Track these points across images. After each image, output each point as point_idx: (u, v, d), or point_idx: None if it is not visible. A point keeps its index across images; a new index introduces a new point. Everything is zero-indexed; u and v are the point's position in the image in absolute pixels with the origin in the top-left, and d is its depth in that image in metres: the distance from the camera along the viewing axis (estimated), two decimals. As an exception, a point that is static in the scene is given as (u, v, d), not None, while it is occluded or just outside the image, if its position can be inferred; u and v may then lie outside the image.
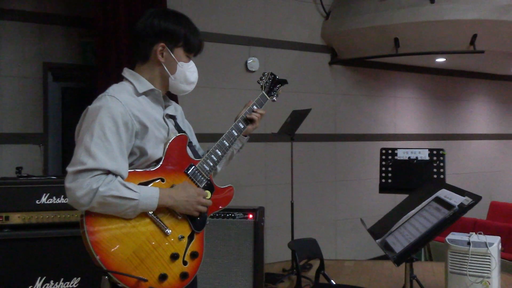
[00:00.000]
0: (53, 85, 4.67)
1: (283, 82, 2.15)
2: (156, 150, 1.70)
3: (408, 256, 2.07)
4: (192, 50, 1.82)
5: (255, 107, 2.00)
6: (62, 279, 3.10)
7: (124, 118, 1.61)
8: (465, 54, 5.55)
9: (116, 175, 1.57)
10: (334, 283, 3.38)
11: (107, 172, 1.55)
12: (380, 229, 2.35)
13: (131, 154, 1.66)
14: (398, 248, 2.06)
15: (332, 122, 6.15)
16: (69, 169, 1.54)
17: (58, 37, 4.53)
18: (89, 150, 1.54)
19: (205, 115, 5.14)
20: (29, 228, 3.07)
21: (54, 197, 3.13)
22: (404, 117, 6.90)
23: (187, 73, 1.81)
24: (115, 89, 1.69)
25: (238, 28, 5.39)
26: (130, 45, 3.46)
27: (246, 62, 5.41)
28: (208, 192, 1.81)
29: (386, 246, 2.15)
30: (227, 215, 3.82)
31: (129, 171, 1.63)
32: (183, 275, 1.68)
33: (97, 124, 1.57)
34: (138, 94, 1.72)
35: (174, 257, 1.66)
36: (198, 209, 1.72)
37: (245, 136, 2.04)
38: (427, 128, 7.14)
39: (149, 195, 1.60)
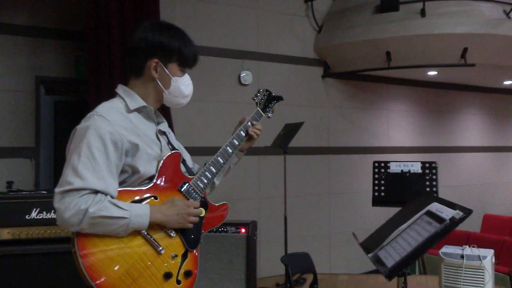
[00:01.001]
0: (45, 99, 4.66)
1: (279, 98, 2.15)
2: (148, 167, 1.68)
3: (400, 270, 2.05)
4: (187, 64, 1.81)
5: (250, 124, 1.98)
6: (52, 295, 3.06)
7: (112, 137, 1.59)
8: (457, 67, 5.60)
9: (105, 194, 1.55)
10: (328, 297, 3.36)
11: (95, 192, 1.53)
12: (372, 243, 2.34)
13: (123, 172, 1.64)
14: (390, 262, 2.05)
15: (325, 135, 6.16)
16: (57, 189, 1.53)
17: (50, 50, 4.52)
18: (76, 170, 1.53)
19: (198, 129, 5.14)
20: (18, 243, 3.04)
21: (44, 212, 3.10)
22: (397, 130, 6.93)
23: (181, 87, 1.79)
24: (103, 108, 1.67)
25: (231, 41, 5.41)
26: (124, 59, 3.46)
27: (239, 76, 5.43)
28: (202, 209, 1.79)
29: (378, 261, 2.14)
30: (220, 229, 3.80)
31: (122, 189, 1.62)
32: None
33: (84, 144, 1.56)
34: (130, 111, 1.71)
35: (168, 276, 1.63)
36: (190, 220, 1.70)
37: (242, 151, 2.02)
38: (419, 141, 7.17)
39: (140, 212, 1.58)
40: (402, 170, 3.85)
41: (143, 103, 1.74)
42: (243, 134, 1.95)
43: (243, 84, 5.44)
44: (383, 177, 3.88)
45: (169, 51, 1.75)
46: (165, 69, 1.75)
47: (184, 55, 1.78)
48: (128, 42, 1.78)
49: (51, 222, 3.04)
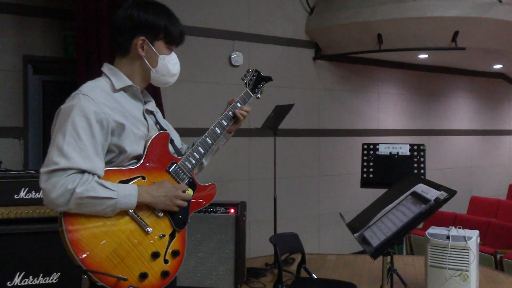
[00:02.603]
0: (33, 78, 4.60)
1: (268, 79, 2.13)
2: (135, 147, 1.67)
3: (385, 249, 2.09)
4: (173, 42, 1.78)
5: (239, 104, 1.97)
6: (41, 275, 3.08)
7: (97, 116, 1.57)
8: (447, 51, 5.62)
9: (92, 174, 1.54)
10: (315, 277, 3.40)
11: (82, 171, 1.52)
12: (358, 224, 2.38)
13: (109, 151, 1.63)
14: (375, 242, 2.08)
15: (315, 117, 6.17)
16: (42, 169, 1.52)
17: (38, 29, 4.46)
18: (61, 149, 1.51)
19: (189, 110, 5.12)
20: (7, 223, 3.03)
21: (33, 192, 3.09)
22: (387, 113, 6.97)
23: (169, 65, 1.77)
24: (88, 87, 1.65)
25: (222, 22, 5.37)
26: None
27: (230, 57, 5.40)
28: (189, 189, 1.79)
29: (363, 240, 2.17)
30: (209, 209, 3.83)
31: (110, 169, 1.61)
32: (164, 274, 1.66)
33: (69, 124, 1.54)
34: (115, 90, 1.69)
35: (155, 255, 1.64)
36: (178, 203, 1.70)
37: (229, 133, 2.02)
38: (409, 124, 7.21)
39: (128, 193, 1.58)
40: (390, 152, 3.88)
41: (129, 82, 1.72)
42: (232, 114, 1.95)
43: (234, 65, 5.41)
44: (372, 159, 3.91)
45: (155, 29, 1.72)
46: (152, 47, 1.73)
47: (170, 32, 1.75)
48: (113, 20, 1.75)
49: (40, 201, 2.99)
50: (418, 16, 5.18)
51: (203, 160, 1.87)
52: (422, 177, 3.59)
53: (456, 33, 5.29)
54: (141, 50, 1.72)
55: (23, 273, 3.04)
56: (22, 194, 3.08)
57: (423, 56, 6.45)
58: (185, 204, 1.73)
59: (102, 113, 1.58)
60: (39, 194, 3.05)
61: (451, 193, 2.02)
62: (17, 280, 3.02)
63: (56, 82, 4.83)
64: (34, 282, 3.06)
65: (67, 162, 1.50)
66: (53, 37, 4.52)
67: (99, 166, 1.57)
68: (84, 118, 1.55)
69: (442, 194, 2.03)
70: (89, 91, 1.61)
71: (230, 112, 1.94)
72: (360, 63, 6.52)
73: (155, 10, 1.74)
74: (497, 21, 5.25)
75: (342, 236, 6.05)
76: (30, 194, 3.09)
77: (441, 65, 7.36)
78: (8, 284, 3.00)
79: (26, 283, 3.04)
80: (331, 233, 6.21)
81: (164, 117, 2.00)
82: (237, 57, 5.43)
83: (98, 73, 1.77)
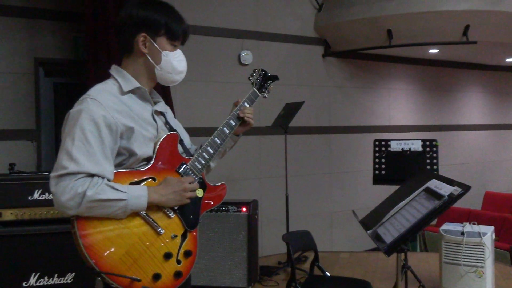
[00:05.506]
0: (45, 81, 4.64)
1: (274, 78, 2.12)
2: (145, 149, 1.67)
3: (398, 246, 2.07)
4: (176, 38, 1.77)
5: (247, 104, 1.97)
6: (56, 275, 3.11)
7: (106, 120, 1.58)
8: (458, 45, 5.56)
9: (102, 177, 1.55)
10: (329, 274, 3.39)
11: (91, 175, 1.53)
12: (371, 220, 2.36)
13: (119, 154, 1.63)
14: (388, 238, 2.07)
15: (326, 114, 6.15)
16: (52, 174, 1.53)
17: (49, 32, 4.49)
18: (70, 154, 1.52)
19: (198, 109, 5.13)
20: (22, 224, 3.08)
21: (46, 193, 3.13)
22: (398, 109, 6.92)
23: (173, 62, 1.76)
24: (96, 90, 1.65)
25: (230, 21, 5.37)
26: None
27: (239, 56, 5.40)
28: (200, 190, 1.78)
29: (377, 237, 2.16)
30: (221, 208, 3.83)
31: (120, 171, 1.61)
32: (177, 274, 1.66)
33: (78, 128, 1.54)
34: (124, 93, 1.69)
35: (168, 256, 1.64)
36: (187, 196, 1.70)
37: (237, 135, 2.01)
38: (421, 119, 7.15)
39: (138, 194, 1.58)
40: (402, 149, 3.85)
41: (137, 84, 1.73)
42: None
43: (243, 64, 5.41)
44: (384, 155, 3.89)
45: (155, 25, 1.72)
46: (154, 43, 1.72)
47: (172, 28, 1.74)
48: (116, 21, 1.77)
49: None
50: (428, 10, 5.13)
51: (210, 162, 1.86)
52: (435, 173, 3.56)
53: (467, 27, 5.24)
54: (143, 47, 1.72)
55: (38, 273, 3.08)
56: (36, 195, 3.11)
57: (433, 51, 6.39)
58: (194, 195, 1.73)
59: (110, 117, 1.59)
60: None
61: (465, 188, 2.00)
62: (32, 281, 3.06)
63: (67, 84, 4.87)
64: (49, 282, 3.09)
65: (76, 166, 1.51)
66: (63, 40, 4.56)
67: (108, 169, 1.57)
68: (92, 122, 1.56)
69: (456, 190, 2.01)
70: (97, 95, 1.62)
71: (237, 112, 1.94)
72: (370, 59, 6.48)
73: (154, 7, 1.74)
74: (508, 14, 5.18)
75: (355, 234, 6.02)
76: (44, 195, 3.12)
77: (452, 60, 7.29)
78: (24, 284, 3.04)
79: (41, 283, 3.07)
80: (343, 230, 6.19)
81: (174, 117, 2.00)
82: (246, 56, 5.42)
83: (108, 75, 1.77)
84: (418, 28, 5.36)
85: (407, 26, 5.36)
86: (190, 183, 1.72)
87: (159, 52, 1.74)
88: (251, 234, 3.87)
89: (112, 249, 1.53)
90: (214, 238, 3.87)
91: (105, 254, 1.51)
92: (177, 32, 1.77)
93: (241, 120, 1.95)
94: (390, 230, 2.11)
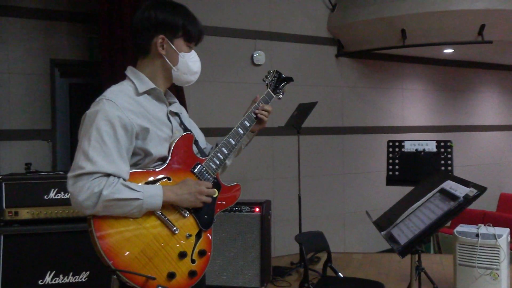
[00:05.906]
0: (60, 81, 4.71)
1: (289, 80, 2.13)
2: (160, 149, 1.69)
3: (413, 247, 2.06)
4: (192, 39, 1.79)
5: (261, 104, 1.98)
6: (71, 273, 3.15)
7: (121, 121, 1.60)
8: (473, 45, 5.50)
9: (117, 177, 1.57)
10: (342, 275, 3.38)
11: (107, 175, 1.55)
12: (385, 222, 2.35)
13: (135, 154, 1.66)
14: (403, 240, 2.05)
15: (339, 115, 6.13)
16: (69, 174, 1.56)
17: (64, 33, 4.55)
18: (87, 154, 1.55)
19: (212, 110, 5.15)
20: (38, 223, 3.12)
21: (62, 192, 3.17)
22: (412, 109, 6.86)
23: (189, 63, 1.79)
24: (112, 92, 1.67)
25: (243, 22, 5.38)
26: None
27: (252, 56, 5.41)
28: (215, 190, 1.79)
29: (391, 238, 2.15)
30: (234, 208, 3.84)
31: (136, 171, 1.64)
32: (192, 273, 1.68)
33: (94, 129, 1.57)
34: (139, 94, 1.71)
35: (182, 255, 1.66)
36: (202, 199, 1.71)
37: (252, 132, 2.02)
38: (435, 120, 7.09)
39: (153, 193, 1.60)
40: (416, 149, 3.82)
41: (152, 85, 1.74)
42: (254, 115, 1.95)
43: (256, 64, 5.42)
44: (398, 156, 3.86)
45: (174, 27, 1.74)
46: (172, 45, 1.74)
47: (189, 30, 1.77)
48: (132, 22, 1.78)
49: (69, 202, 3.09)
50: (443, 10, 5.09)
51: (226, 161, 1.88)
52: (450, 174, 3.53)
53: (482, 26, 5.18)
54: (161, 48, 1.73)
55: (54, 272, 3.12)
56: (52, 194, 3.16)
57: (448, 51, 6.33)
58: (209, 200, 1.75)
59: (126, 118, 1.61)
60: (68, 195, 3.09)
61: (481, 189, 1.98)
62: (48, 279, 3.10)
63: (82, 84, 4.93)
64: (64, 280, 3.13)
65: (93, 166, 1.53)
66: (79, 41, 4.61)
67: (124, 169, 1.60)
68: (108, 123, 1.58)
69: (471, 191, 1.99)
70: (113, 96, 1.64)
71: (252, 113, 1.95)
72: (383, 59, 6.44)
73: (172, 9, 1.76)
74: (525, 13, 5.11)
75: (368, 235, 5.99)
76: (60, 194, 3.16)
77: (467, 60, 7.21)
78: (39, 282, 3.08)
79: (56, 281, 3.11)
80: (356, 231, 6.16)
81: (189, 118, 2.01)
82: (259, 56, 5.43)
83: (123, 76, 1.79)
84: (433, 28, 5.31)
85: (421, 26, 5.31)
86: (207, 188, 1.74)
87: (176, 53, 1.76)
88: (264, 234, 3.87)
89: (128, 247, 1.55)
90: (227, 238, 3.88)
91: (121, 252, 1.53)
92: (194, 34, 1.79)
93: (256, 120, 1.96)
94: (405, 231, 2.10)
